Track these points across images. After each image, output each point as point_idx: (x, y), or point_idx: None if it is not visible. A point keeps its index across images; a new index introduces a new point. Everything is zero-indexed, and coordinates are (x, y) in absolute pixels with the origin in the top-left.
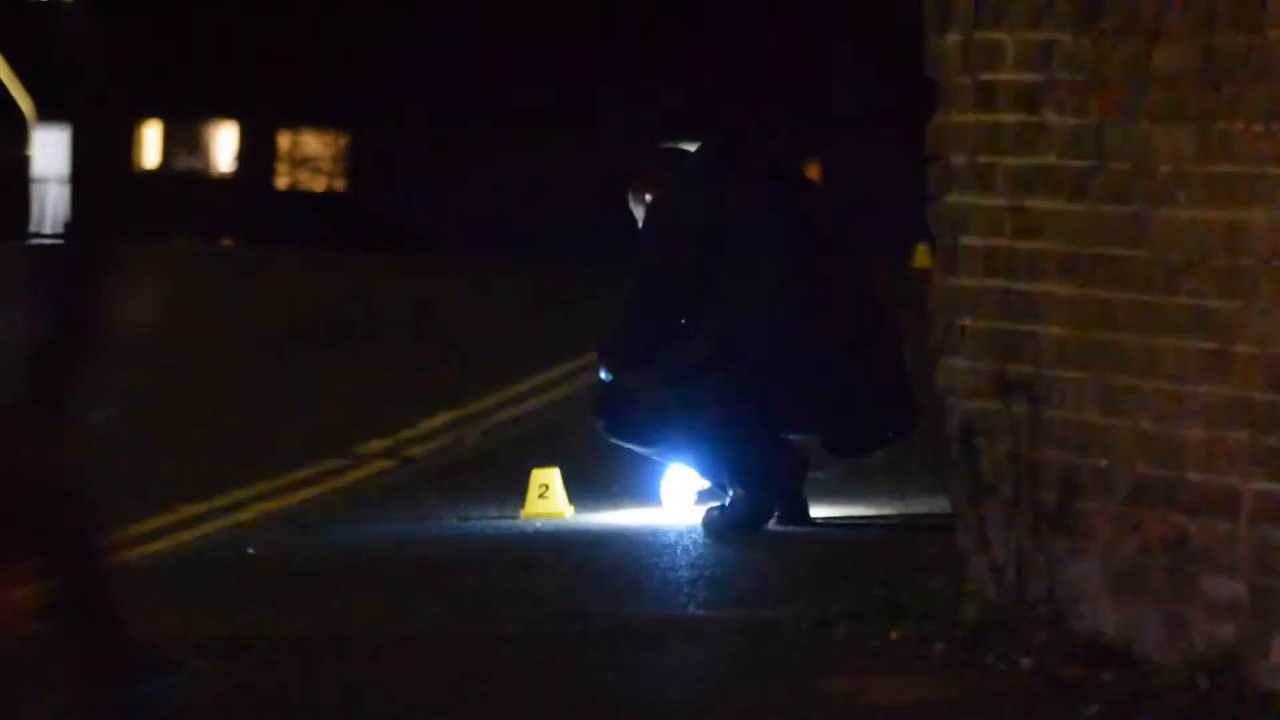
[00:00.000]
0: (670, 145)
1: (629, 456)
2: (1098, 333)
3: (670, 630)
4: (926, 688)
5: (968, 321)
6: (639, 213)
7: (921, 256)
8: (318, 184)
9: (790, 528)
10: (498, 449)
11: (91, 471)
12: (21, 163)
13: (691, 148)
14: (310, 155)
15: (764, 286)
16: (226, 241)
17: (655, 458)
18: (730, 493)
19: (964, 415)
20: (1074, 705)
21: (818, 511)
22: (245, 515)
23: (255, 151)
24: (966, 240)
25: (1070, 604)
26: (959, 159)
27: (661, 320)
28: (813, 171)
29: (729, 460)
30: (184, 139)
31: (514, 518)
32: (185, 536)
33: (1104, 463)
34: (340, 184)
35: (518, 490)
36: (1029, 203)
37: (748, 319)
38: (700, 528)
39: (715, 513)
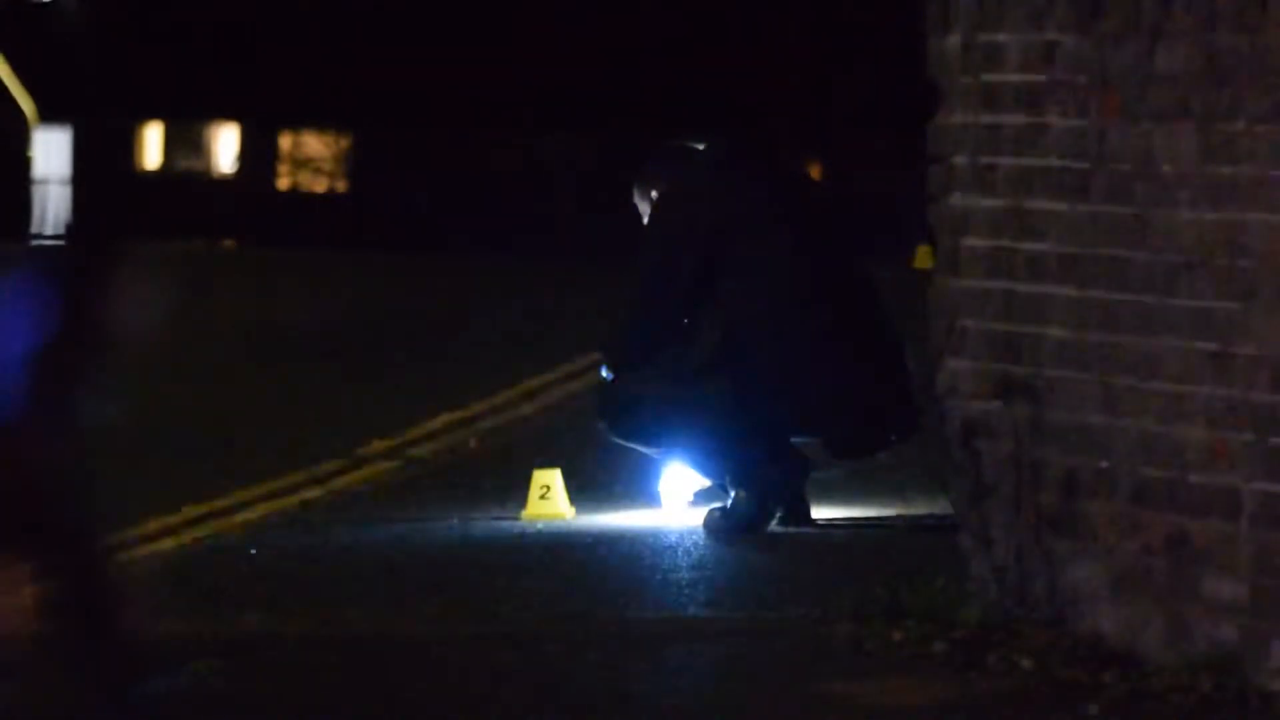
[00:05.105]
0: (677, 143)
1: (630, 458)
2: (1099, 334)
3: (671, 631)
4: (927, 688)
5: (969, 323)
6: (644, 209)
7: (923, 258)
8: (319, 185)
9: (792, 529)
10: (499, 450)
11: (92, 472)
12: (22, 163)
13: (699, 146)
14: (312, 156)
15: (769, 287)
16: (228, 242)
17: (657, 457)
18: (732, 494)
19: (965, 416)
20: (1075, 706)
21: (819, 512)
22: (246, 516)
23: (256, 152)
24: (968, 241)
25: (1072, 605)
26: (960, 160)
27: (665, 320)
28: (813, 172)
29: (731, 461)
30: (185, 140)
31: (515, 519)
32: (186, 537)
33: (1105, 464)
34: (342, 185)
35: (519, 491)
36: (1030, 204)
37: (752, 320)
38: (701, 529)
39: (717, 514)
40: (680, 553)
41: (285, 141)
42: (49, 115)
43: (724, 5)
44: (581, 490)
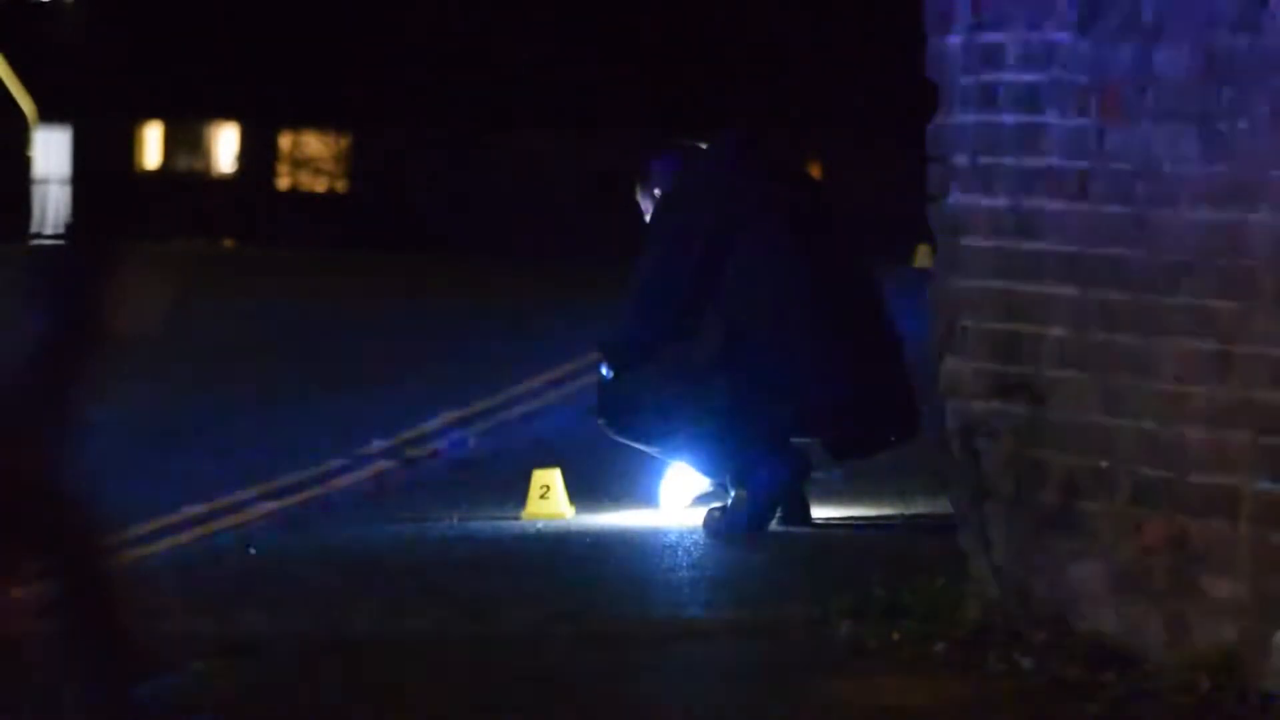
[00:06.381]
0: (679, 141)
1: (630, 457)
2: (1099, 333)
3: (671, 631)
4: (927, 688)
5: (969, 322)
6: (646, 207)
7: (923, 257)
8: (319, 185)
9: (792, 528)
10: (499, 449)
11: (92, 472)
12: (22, 163)
13: (700, 145)
14: (311, 156)
15: (769, 287)
16: (228, 242)
17: (657, 456)
18: (732, 493)
19: (965, 416)
20: (1075, 706)
21: (819, 512)
22: (246, 516)
23: (256, 152)
24: (968, 241)
25: (1071, 605)
26: (960, 160)
27: (666, 319)
28: (813, 172)
29: (731, 461)
30: (185, 140)
31: (515, 518)
32: (186, 537)
33: (1105, 463)
34: (341, 185)
35: (519, 491)
36: (1030, 204)
37: (752, 320)
38: (701, 529)
39: (716, 514)
40: (680, 553)
41: (285, 141)
42: (49, 115)
43: (725, 6)
44: (581, 490)
